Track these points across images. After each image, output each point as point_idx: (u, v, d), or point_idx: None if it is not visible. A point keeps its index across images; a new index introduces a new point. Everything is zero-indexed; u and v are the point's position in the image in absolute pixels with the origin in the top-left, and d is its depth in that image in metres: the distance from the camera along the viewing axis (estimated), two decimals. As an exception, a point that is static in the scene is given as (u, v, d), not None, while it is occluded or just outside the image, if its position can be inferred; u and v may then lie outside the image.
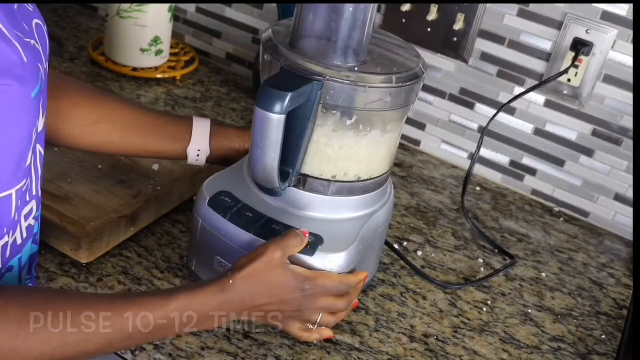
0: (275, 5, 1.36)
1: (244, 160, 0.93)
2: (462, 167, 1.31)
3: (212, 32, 1.49)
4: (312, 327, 0.81)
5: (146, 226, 0.99)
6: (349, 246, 0.83)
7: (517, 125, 1.25)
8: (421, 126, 1.34)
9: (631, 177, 1.18)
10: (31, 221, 0.75)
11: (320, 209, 0.86)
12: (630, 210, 1.20)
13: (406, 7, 1.26)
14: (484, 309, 0.99)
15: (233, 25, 1.46)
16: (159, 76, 1.38)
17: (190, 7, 1.49)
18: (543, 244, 1.15)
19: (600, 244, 1.19)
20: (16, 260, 0.73)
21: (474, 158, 1.15)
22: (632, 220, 1.20)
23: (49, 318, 0.64)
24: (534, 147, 1.25)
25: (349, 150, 0.83)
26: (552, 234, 1.19)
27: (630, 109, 1.15)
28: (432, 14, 1.24)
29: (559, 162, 1.24)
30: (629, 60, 1.13)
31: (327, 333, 0.83)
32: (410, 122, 1.33)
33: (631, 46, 1.12)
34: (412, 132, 1.35)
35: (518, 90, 1.22)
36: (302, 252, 0.80)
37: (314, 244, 0.81)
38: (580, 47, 1.14)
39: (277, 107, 0.74)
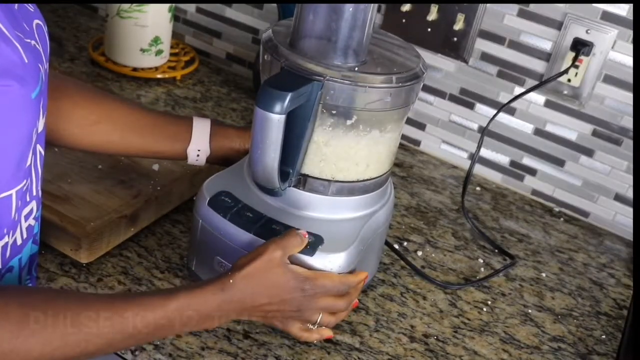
0: (275, 5, 1.36)
1: (244, 160, 0.93)
2: (462, 167, 1.31)
3: (212, 32, 1.49)
4: (312, 327, 0.81)
5: (146, 226, 0.99)
6: (349, 246, 0.83)
7: (517, 125, 1.25)
8: (421, 126, 1.34)
9: (631, 177, 1.18)
10: (31, 221, 0.75)
11: (320, 209, 0.86)
12: (630, 210, 1.20)
13: (406, 7, 1.26)
14: (484, 309, 0.99)
15: (233, 25, 1.46)
16: (159, 76, 1.38)
17: (190, 7, 1.49)
18: (543, 244, 1.15)
19: (600, 244, 1.19)
20: (16, 260, 0.73)
21: (474, 158, 1.15)
22: (632, 220, 1.20)
23: (49, 318, 0.64)
24: (534, 147, 1.25)
25: (349, 150, 0.83)
26: (552, 234, 1.19)
27: (630, 109, 1.15)
28: (432, 14, 1.24)
29: (559, 162, 1.24)
30: (629, 60, 1.13)
31: (327, 333, 0.83)
32: (410, 122, 1.33)
33: (631, 46, 1.12)
34: (412, 132, 1.35)
35: (518, 90, 1.22)
36: (302, 252, 0.80)
37: (314, 244, 0.81)
38: (580, 47, 1.14)
39: (277, 107, 0.74)
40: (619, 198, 1.21)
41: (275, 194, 0.83)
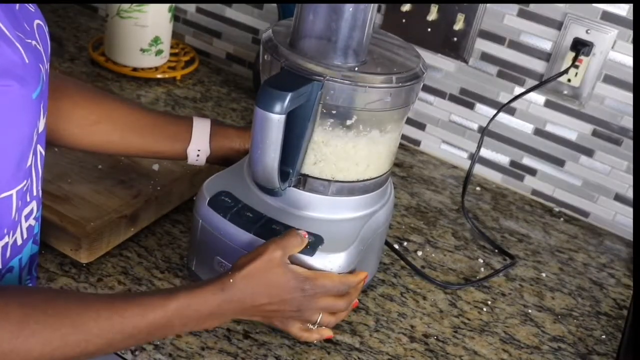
0: (275, 5, 1.36)
1: (244, 160, 0.93)
2: (462, 167, 1.31)
3: (212, 32, 1.49)
4: (312, 327, 0.81)
5: (146, 226, 0.99)
6: (349, 246, 0.83)
7: (517, 125, 1.25)
8: (421, 126, 1.34)
9: (631, 177, 1.18)
10: (31, 221, 0.75)
11: (320, 209, 0.86)
12: (630, 210, 1.20)
13: (406, 7, 1.26)
14: (484, 309, 0.99)
15: (233, 25, 1.46)
16: (159, 76, 1.38)
17: (190, 7, 1.49)
18: (543, 244, 1.15)
19: (600, 244, 1.19)
20: (16, 260, 0.73)
21: (474, 158, 1.15)
22: (632, 220, 1.20)
23: (49, 318, 0.64)
24: (534, 147, 1.25)
25: (348, 150, 0.83)
26: (552, 234, 1.19)
27: (630, 109, 1.15)
28: (432, 14, 1.24)
29: (559, 162, 1.24)
30: (629, 60, 1.13)
31: (327, 333, 0.83)
32: (410, 122, 1.33)
33: (631, 46, 1.12)
34: (412, 132, 1.35)
35: (518, 90, 1.22)
36: (302, 252, 0.80)
37: (314, 244, 0.81)
38: (580, 47, 1.14)
39: (277, 107, 0.74)
40: (619, 198, 1.21)
41: (275, 194, 0.83)
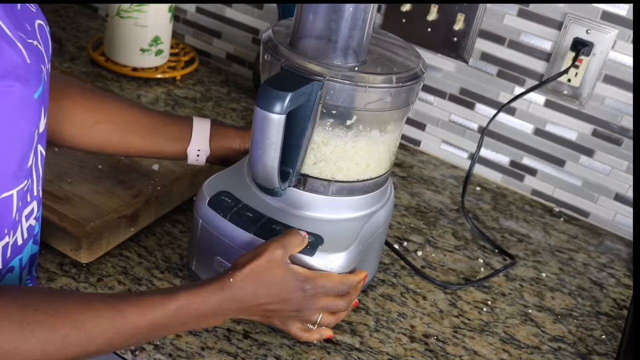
0: (275, 5, 1.36)
1: (244, 160, 0.93)
2: (462, 167, 1.31)
3: (212, 32, 1.49)
4: (312, 327, 0.81)
5: (146, 226, 0.99)
6: (349, 246, 0.83)
7: (517, 125, 1.25)
8: (421, 126, 1.34)
9: (631, 177, 1.18)
10: (32, 222, 0.75)
11: (320, 209, 0.86)
12: (630, 210, 1.20)
13: (406, 7, 1.26)
14: (484, 309, 0.99)
15: (233, 25, 1.46)
16: (159, 76, 1.38)
17: (190, 7, 1.49)
18: (543, 244, 1.15)
19: (600, 244, 1.19)
20: (17, 260, 0.73)
21: (474, 158, 1.15)
22: (632, 220, 1.20)
23: (50, 319, 0.64)
24: (534, 147, 1.25)
25: (349, 150, 0.83)
26: (552, 234, 1.19)
27: (630, 109, 1.15)
28: (432, 14, 1.24)
29: (559, 162, 1.24)
30: (629, 60, 1.13)
31: (327, 333, 0.83)
32: (410, 122, 1.33)
33: (631, 46, 1.12)
34: (412, 132, 1.35)
35: (518, 90, 1.22)
36: (302, 252, 0.80)
37: (314, 244, 0.81)
38: (580, 47, 1.14)
39: (277, 107, 0.74)
40: (619, 198, 1.21)
41: (275, 194, 0.83)
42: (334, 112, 0.80)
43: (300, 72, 0.78)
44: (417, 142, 1.35)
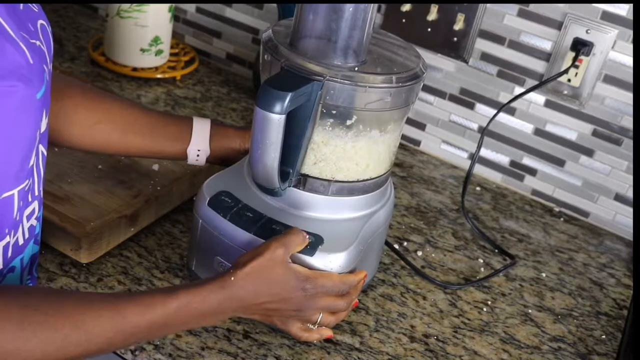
0: (275, 5, 1.36)
1: (244, 160, 0.93)
2: (462, 167, 1.31)
3: (212, 32, 1.49)
4: (312, 327, 0.81)
5: (146, 226, 0.99)
6: (349, 246, 0.83)
7: (517, 125, 1.25)
8: (421, 126, 1.34)
9: (631, 177, 1.18)
10: (33, 222, 0.75)
11: (320, 209, 0.86)
12: (630, 210, 1.20)
13: (406, 7, 1.26)
14: (484, 309, 0.99)
15: (233, 25, 1.46)
16: (159, 76, 1.38)
17: (190, 7, 1.49)
18: (543, 244, 1.15)
19: (600, 244, 1.19)
20: (18, 260, 0.73)
21: (474, 158, 1.15)
22: (632, 220, 1.20)
23: (50, 318, 0.64)
24: (534, 147, 1.25)
25: (348, 150, 0.83)
26: (552, 234, 1.19)
27: (630, 109, 1.15)
28: (432, 14, 1.24)
29: (559, 162, 1.24)
30: (629, 60, 1.13)
31: (327, 333, 0.83)
32: (410, 122, 1.33)
33: (631, 46, 1.12)
34: (412, 132, 1.35)
35: (518, 90, 1.22)
36: (302, 252, 0.80)
37: (314, 244, 0.81)
38: (580, 47, 1.14)
39: (277, 107, 0.74)
40: (619, 198, 1.21)
41: (275, 194, 0.83)
42: (334, 112, 0.80)
43: (300, 72, 0.78)
44: (417, 142, 1.35)
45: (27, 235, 0.74)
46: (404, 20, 1.26)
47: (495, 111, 1.19)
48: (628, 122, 1.16)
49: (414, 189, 1.23)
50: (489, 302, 1.00)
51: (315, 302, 0.79)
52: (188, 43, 1.52)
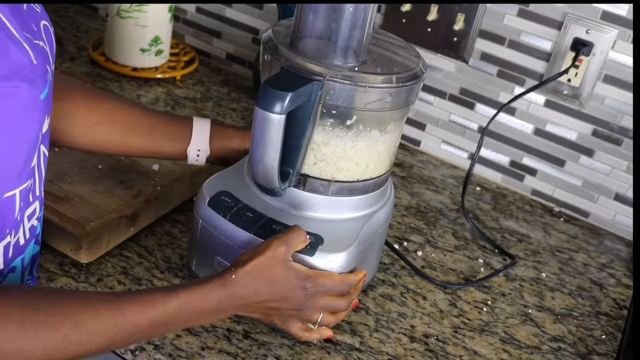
0: (275, 5, 1.36)
1: (244, 160, 0.93)
2: (462, 167, 1.31)
3: (212, 32, 1.49)
4: (312, 326, 0.81)
5: (146, 226, 0.99)
6: (349, 246, 0.83)
7: (517, 125, 1.25)
8: (421, 126, 1.34)
9: (631, 177, 1.18)
10: (34, 222, 0.75)
11: (320, 209, 0.86)
12: (630, 210, 1.20)
13: (406, 7, 1.26)
14: (484, 309, 0.99)
15: (233, 25, 1.46)
16: (159, 76, 1.38)
17: (190, 7, 1.49)
18: (543, 244, 1.15)
19: (600, 244, 1.19)
20: (19, 260, 0.74)
21: (474, 158, 1.15)
22: (632, 220, 1.20)
23: (51, 318, 0.64)
24: (534, 147, 1.25)
25: (348, 150, 0.83)
26: (552, 234, 1.19)
27: (630, 109, 1.15)
28: (432, 14, 1.24)
29: (559, 162, 1.24)
30: (629, 60, 1.13)
31: (327, 333, 0.83)
32: (410, 122, 1.33)
33: (631, 46, 1.12)
34: (412, 132, 1.35)
35: (518, 90, 1.22)
36: (302, 252, 0.80)
37: (314, 244, 0.81)
38: (580, 47, 1.14)
39: (277, 107, 0.74)
40: (619, 198, 1.21)
41: (275, 194, 0.83)
42: (334, 112, 0.80)
43: (300, 72, 0.78)
44: (417, 142, 1.35)
45: (28, 236, 0.74)
46: (404, 20, 1.26)
47: (495, 111, 1.19)
48: (628, 122, 1.16)
49: (414, 189, 1.23)
50: (489, 302, 1.00)
51: (315, 302, 0.79)
52: (188, 43, 1.52)
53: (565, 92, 1.19)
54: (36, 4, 0.71)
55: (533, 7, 1.17)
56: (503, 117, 1.24)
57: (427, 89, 1.30)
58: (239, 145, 0.96)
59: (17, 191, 0.67)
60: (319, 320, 0.81)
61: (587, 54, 1.14)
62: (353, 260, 0.83)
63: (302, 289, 0.78)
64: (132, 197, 0.98)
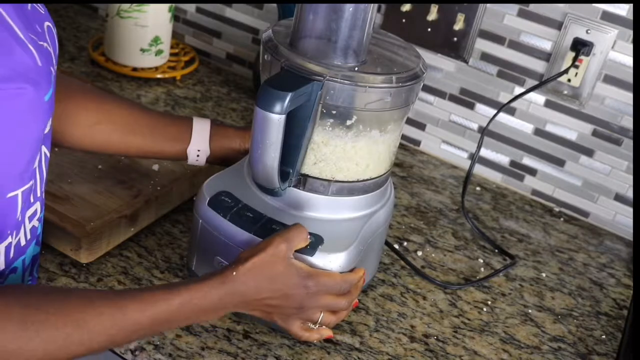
0: (275, 5, 1.36)
1: (244, 160, 0.93)
2: (462, 167, 1.31)
3: (212, 32, 1.49)
4: (312, 326, 0.81)
5: (146, 226, 0.99)
6: (349, 246, 0.83)
7: (517, 125, 1.25)
8: (421, 126, 1.34)
9: (631, 177, 1.18)
10: (35, 222, 0.75)
11: (320, 209, 0.86)
12: (630, 210, 1.20)
13: (406, 7, 1.26)
14: (484, 309, 0.99)
15: (233, 25, 1.46)
16: (159, 76, 1.38)
17: (190, 7, 1.49)
18: (543, 244, 1.15)
19: (600, 244, 1.19)
20: (20, 261, 0.74)
21: (474, 158, 1.15)
22: (632, 220, 1.20)
23: (52, 317, 0.64)
24: (534, 147, 1.25)
25: (349, 150, 0.83)
26: (552, 234, 1.19)
27: (630, 109, 1.15)
28: (432, 14, 1.24)
29: (559, 162, 1.24)
30: (629, 60, 1.13)
31: (328, 333, 0.83)
32: (410, 122, 1.33)
33: (631, 46, 1.12)
34: (412, 132, 1.35)
35: (518, 90, 1.22)
36: (302, 252, 0.80)
37: (314, 244, 0.81)
38: (580, 47, 1.14)
39: (277, 107, 0.74)
40: (619, 198, 1.21)
41: (275, 194, 0.83)
42: (334, 112, 0.80)
43: (300, 72, 0.78)
44: (417, 142, 1.35)
45: (29, 236, 0.74)
46: (404, 20, 1.26)
47: (495, 111, 1.19)
48: (628, 122, 1.16)
49: (414, 189, 1.23)
50: (489, 302, 1.00)
51: (316, 300, 0.79)
52: (188, 43, 1.52)
53: (565, 92, 1.19)
54: (39, 5, 0.71)
55: (533, 7, 1.17)
56: (503, 117, 1.24)
57: (427, 89, 1.30)
58: (239, 145, 0.96)
59: (19, 192, 0.67)
60: (319, 319, 0.80)
61: (587, 54, 1.14)
62: (353, 260, 0.83)
63: (304, 287, 0.78)
64: (132, 197, 0.98)
